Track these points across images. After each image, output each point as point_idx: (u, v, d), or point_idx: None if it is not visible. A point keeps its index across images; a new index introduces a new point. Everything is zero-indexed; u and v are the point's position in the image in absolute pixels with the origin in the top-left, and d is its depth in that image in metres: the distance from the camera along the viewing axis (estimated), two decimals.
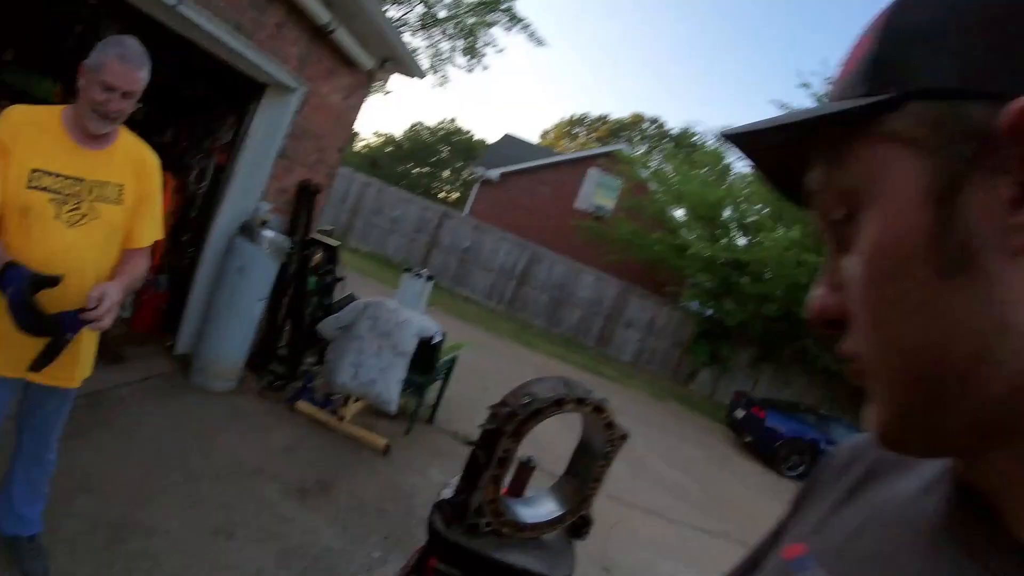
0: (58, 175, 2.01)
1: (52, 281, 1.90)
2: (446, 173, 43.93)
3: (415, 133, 44.17)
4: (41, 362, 1.92)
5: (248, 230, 4.87)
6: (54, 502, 3.08)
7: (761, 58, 79.87)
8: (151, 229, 2.32)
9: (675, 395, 15.37)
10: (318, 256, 5.71)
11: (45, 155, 1.99)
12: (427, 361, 5.44)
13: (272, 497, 3.86)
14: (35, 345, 2.01)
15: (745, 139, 0.49)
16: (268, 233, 4.87)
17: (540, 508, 1.85)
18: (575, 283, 18.28)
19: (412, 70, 6.13)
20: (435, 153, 43.66)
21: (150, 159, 2.30)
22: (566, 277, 18.31)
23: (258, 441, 4.51)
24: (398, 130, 62.71)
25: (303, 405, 5.26)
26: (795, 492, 0.70)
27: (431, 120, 53.38)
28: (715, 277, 16.15)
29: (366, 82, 6.02)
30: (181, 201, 5.44)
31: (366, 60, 5.53)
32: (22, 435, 2.48)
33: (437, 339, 5.39)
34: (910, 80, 0.41)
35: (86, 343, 2.26)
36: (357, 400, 5.37)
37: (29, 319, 1.83)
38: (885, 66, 0.42)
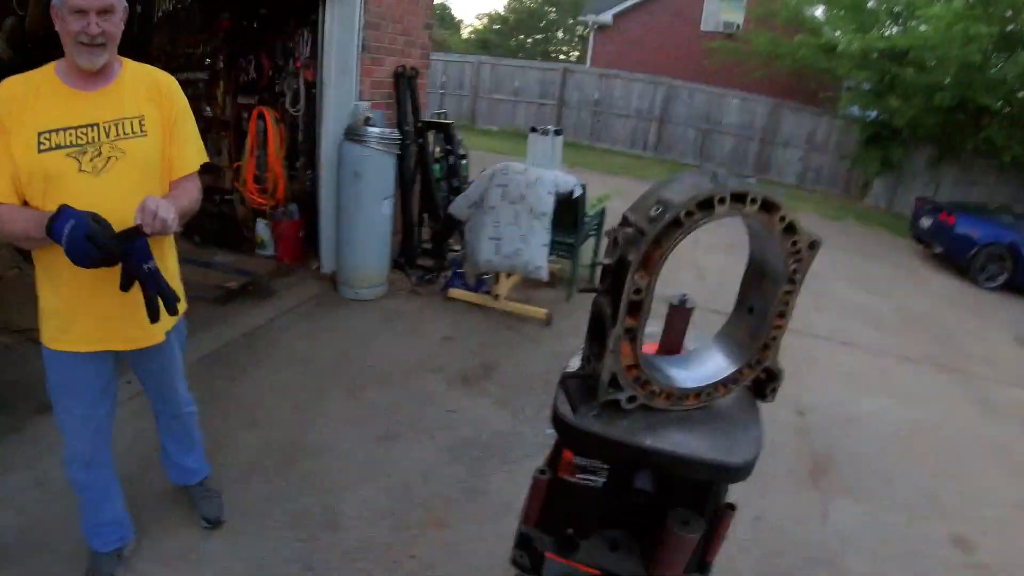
0: (67, 128, 1.85)
1: (103, 221, 1.73)
2: (560, 35, 42.14)
3: (517, 3, 42.35)
4: (152, 306, 1.79)
5: (352, 133, 4.70)
6: (223, 441, 3.19)
7: None
8: (192, 152, 2.13)
9: (849, 212, 13.86)
10: (433, 140, 5.47)
11: (49, 114, 1.84)
12: (571, 218, 5.13)
13: (436, 391, 3.81)
14: (112, 316, 1.94)
15: None
16: (373, 130, 4.67)
17: (703, 366, 1.41)
18: (720, 110, 16.94)
19: None
20: (542, 17, 41.79)
21: (164, 80, 2.08)
22: (709, 106, 16.99)
23: (415, 338, 4.48)
24: (499, 5, 60.33)
25: (456, 292, 5.18)
26: None
27: None
28: (873, 74, 14.08)
29: None
30: (285, 130, 5.35)
31: None
32: (149, 397, 2.48)
33: (577, 192, 5.02)
34: None
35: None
36: (509, 276, 5.19)
37: (95, 248, 1.66)
38: None
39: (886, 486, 3.55)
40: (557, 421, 1.29)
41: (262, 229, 5.70)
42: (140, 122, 1.97)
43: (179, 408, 2.50)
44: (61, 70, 1.89)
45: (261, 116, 5.26)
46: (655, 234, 1.11)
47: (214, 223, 5.93)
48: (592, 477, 1.38)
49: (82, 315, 1.95)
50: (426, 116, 5.69)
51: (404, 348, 4.30)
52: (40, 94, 1.85)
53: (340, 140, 4.77)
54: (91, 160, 1.87)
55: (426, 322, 4.75)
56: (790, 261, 1.23)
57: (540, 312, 4.90)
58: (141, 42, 5.79)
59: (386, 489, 2.96)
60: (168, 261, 2.17)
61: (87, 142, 1.87)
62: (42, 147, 1.82)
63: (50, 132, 1.83)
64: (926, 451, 4.04)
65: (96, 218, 1.69)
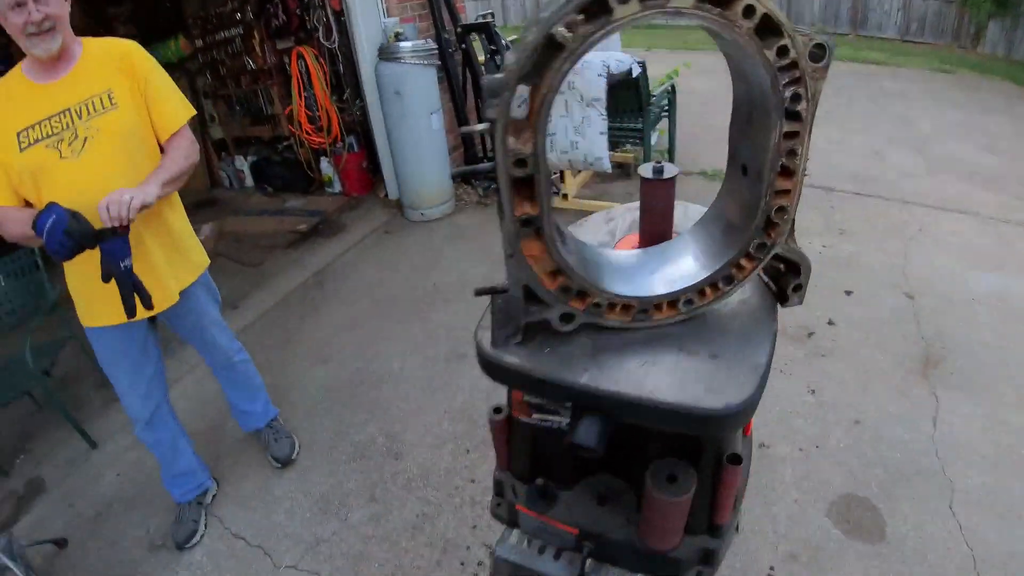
0: (41, 121, 1.87)
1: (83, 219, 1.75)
2: None
3: None
4: (128, 303, 1.82)
5: (385, 52, 4.49)
6: (294, 381, 3.27)
7: None
8: (172, 108, 2.06)
9: (962, 63, 12.04)
10: (478, 43, 5.16)
11: (20, 113, 1.87)
12: (636, 101, 4.76)
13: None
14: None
15: None
16: (405, 44, 4.44)
17: (681, 260, 1.03)
18: None
19: None
20: None
21: (126, 47, 2.05)
22: None
23: (481, 253, 4.35)
24: None
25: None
26: None
27: None
28: None
29: None
30: (326, 64, 5.19)
31: None
32: (197, 351, 2.52)
33: (635, 72, 4.60)
34: None
35: (159, 259, 2.12)
36: (578, 173, 4.91)
37: (72, 242, 1.71)
38: None
39: (1008, 381, 2.87)
40: (478, 352, 0.98)
41: (326, 167, 5.67)
42: (109, 96, 1.95)
43: (227, 358, 2.54)
44: (27, 68, 1.92)
45: (300, 56, 5.14)
46: (519, 68, 0.72)
47: (280, 170, 5.96)
48: (551, 418, 1.02)
49: (98, 293, 1.97)
50: (469, 22, 5.37)
51: (470, 264, 4.18)
52: (11, 96, 1.90)
53: (376, 62, 4.57)
54: (69, 145, 1.89)
55: (492, 234, 4.58)
56: (783, 82, 0.80)
57: (612, 206, 4.60)
58: (175, 13, 5.79)
59: (448, 412, 2.91)
60: (174, 223, 2.19)
61: (62, 128, 1.89)
62: (22, 145, 1.86)
63: (27, 129, 1.87)
64: None
65: (76, 215, 1.72)
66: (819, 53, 0.80)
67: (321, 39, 5.06)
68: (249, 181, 6.31)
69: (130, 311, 1.82)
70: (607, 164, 4.33)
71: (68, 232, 1.69)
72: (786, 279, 1.02)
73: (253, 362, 2.68)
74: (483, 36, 5.18)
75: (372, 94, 4.82)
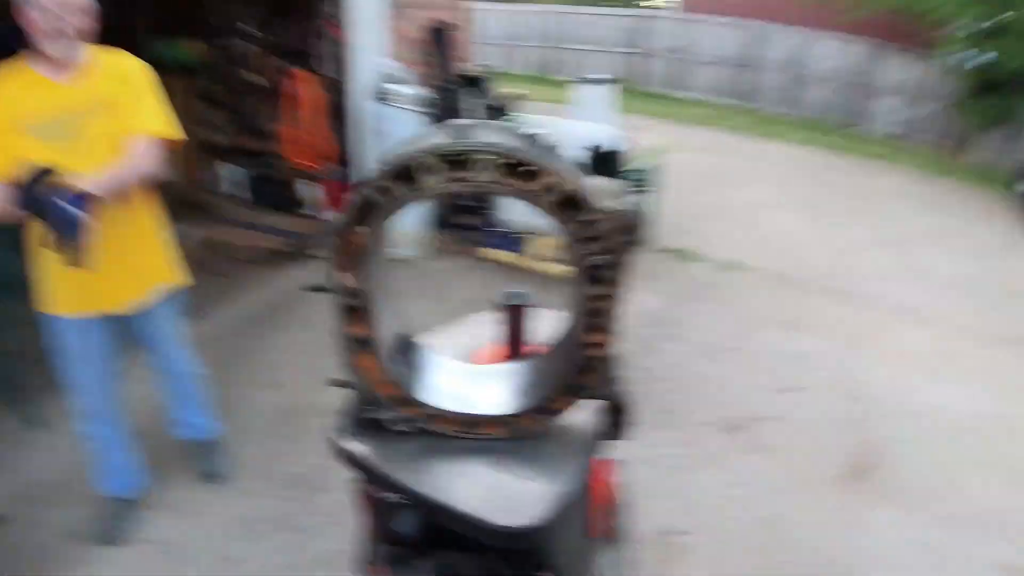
0: (46, 117, 2.01)
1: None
2: None
3: None
4: (66, 254, 1.86)
5: (378, 92, 4.66)
6: (242, 402, 3.33)
7: None
8: (149, 117, 2.19)
9: (951, 169, 12.39)
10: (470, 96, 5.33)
11: (28, 106, 2.00)
12: (604, 173, 4.93)
13: None
14: (87, 282, 2.05)
15: None
16: (398, 88, 4.62)
17: (508, 387, 1.15)
18: (811, 54, 15.89)
19: None
20: None
21: (130, 62, 2.23)
22: (800, 50, 15.92)
23: (438, 300, 4.46)
24: None
25: (487, 252, 5.09)
26: None
27: None
28: (983, 12, 12.55)
29: None
30: (321, 91, 5.33)
31: None
32: (152, 358, 2.59)
33: (610, 147, 4.78)
34: None
35: (130, 260, 2.24)
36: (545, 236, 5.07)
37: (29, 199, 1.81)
38: None
39: (942, 496, 2.96)
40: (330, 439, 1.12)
41: (309, 190, 5.79)
42: (111, 103, 2.10)
43: (182, 369, 2.63)
44: (34, 61, 2.04)
45: (297, 78, 5.30)
46: (344, 222, 0.90)
47: (266, 186, 6.08)
48: (392, 494, 1.11)
49: (62, 283, 2.09)
50: (468, 70, 5.56)
51: (425, 310, 4.26)
52: (18, 85, 2.02)
53: (368, 99, 4.74)
54: (68, 144, 2.02)
55: (454, 282, 4.71)
56: (588, 251, 0.92)
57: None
58: (191, 15, 5.94)
59: None
60: (147, 229, 2.32)
61: (64, 128, 2.02)
62: (23, 135, 1.97)
63: (34, 123, 1.99)
64: (1003, 456, 3.31)
65: (49, 171, 1.83)
66: (630, 228, 0.93)
67: (320, 65, 5.22)
68: (236, 191, 6.41)
69: (68, 259, 1.87)
70: None
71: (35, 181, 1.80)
72: (611, 417, 1.13)
73: (206, 377, 2.76)
74: (471, 87, 5.37)
75: (358, 129, 4.98)
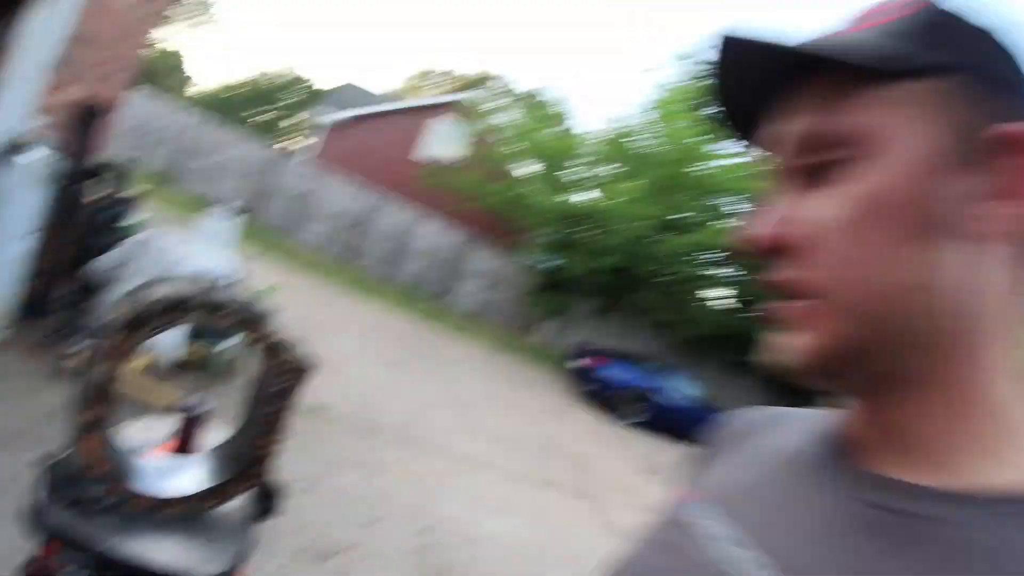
0: None
1: None
2: (287, 122, 42.11)
3: (252, 80, 42.02)
4: None
5: (7, 153, 3.98)
6: None
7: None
8: None
9: (517, 346, 15.24)
10: (99, 185, 4.83)
11: None
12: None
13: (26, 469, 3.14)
14: None
15: (740, 47, 0.49)
16: (31, 156, 4.00)
17: (193, 475, 1.40)
18: (415, 232, 17.65)
19: None
20: (273, 100, 41.73)
21: None
22: (408, 224, 17.64)
23: (18, 408, 3.71)
24: (233, 77, 59.10)
25: (76, 361, 4.41)
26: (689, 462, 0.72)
27: (269, 68, 51.77)
28: (558, 228, 15.95)
29: None
30: None
31: None
32: None
33: (224, 281, 4.64)
34: (966, 55, 0.45)
35: None
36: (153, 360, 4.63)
37: None
38: (942, 32, 0.45)
39: None
40: (33, 508, 1.20)
41: None
42: None
43: None
44: None
45: None
46: (118, 330, 1.15)
47: None
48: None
49: None
50: (103, 158, 5.04)
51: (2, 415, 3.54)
52: None
53: None
54: None
55: (37, 390, 3.97)
56: (278, 381, 1.30)
57: (163, 399, 4.24)
58: None
59: None
60: None
61: None
62: None
63: None
64: (541, 571, 4.38)
65: None
66: (300, 370, 1.30)
67: None
68: None
69: None
70: (169, 361, 4.37)
71: None
72: (264, 500, 1.44)
73: None
74: (108, 179, 4.89)
75: None
